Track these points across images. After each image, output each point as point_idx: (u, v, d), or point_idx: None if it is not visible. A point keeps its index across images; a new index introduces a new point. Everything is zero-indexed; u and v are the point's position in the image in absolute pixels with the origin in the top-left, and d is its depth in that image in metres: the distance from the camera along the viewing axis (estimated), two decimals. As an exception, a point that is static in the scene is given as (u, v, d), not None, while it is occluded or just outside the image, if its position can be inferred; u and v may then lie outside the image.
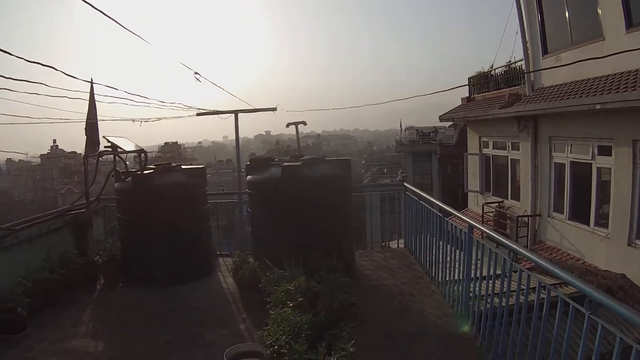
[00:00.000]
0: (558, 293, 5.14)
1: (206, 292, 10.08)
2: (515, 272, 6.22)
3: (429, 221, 9.86)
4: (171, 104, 15.93)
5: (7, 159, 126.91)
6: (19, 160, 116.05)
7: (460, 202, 27.66)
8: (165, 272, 10.34)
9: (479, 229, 7.52)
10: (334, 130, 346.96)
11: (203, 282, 10.59)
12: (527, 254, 5.97)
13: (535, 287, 5.60)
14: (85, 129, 12.55)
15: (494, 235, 7.08)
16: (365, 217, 15.84)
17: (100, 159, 12.31)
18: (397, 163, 71.78)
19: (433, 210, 9.66)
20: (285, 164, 9.96)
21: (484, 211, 21.84)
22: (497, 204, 21.89)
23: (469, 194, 25.92)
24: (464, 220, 8.21)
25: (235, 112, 14.18)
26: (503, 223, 20.62)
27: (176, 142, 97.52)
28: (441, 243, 9.12)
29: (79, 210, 12.09)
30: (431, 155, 57.36)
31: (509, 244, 6.46)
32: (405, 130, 72.48)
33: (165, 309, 9.21)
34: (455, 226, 8.39)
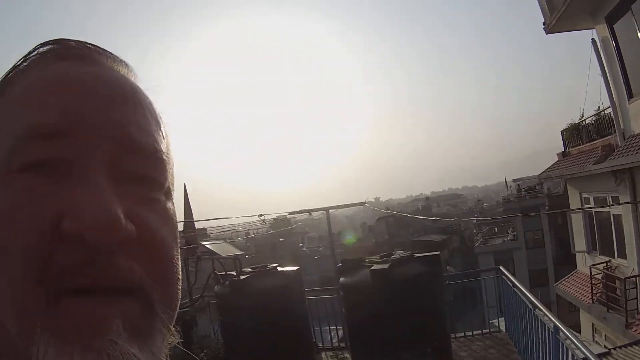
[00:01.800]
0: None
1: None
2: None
3: (523, 310, 9.71)
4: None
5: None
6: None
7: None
8: None
9: (565, 333, 7.19)
10: (443, 190, 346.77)
11: None
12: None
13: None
14: (182, 231, 13.18)
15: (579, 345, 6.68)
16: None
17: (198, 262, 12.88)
18: (508, 221, 71.42)
19: (524, 300, 9.48)
20: (374, 267, 10.04)
21: (592, 274, 20.94)
22: (604, 265, 20.92)
23: (577, 254, 25.23)
24: (550, 317, 7.90)
25: (326, 209, 14.57)
26: (612, 286, 19.59)
27: (285, 217, 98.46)
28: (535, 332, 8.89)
29: (183, 309, 12.43)
30: (539, 209, 56.59)
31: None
32: (510, 187, 71.87)
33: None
34: (543, 322, 8.17)
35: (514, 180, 74.16)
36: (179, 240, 0.81)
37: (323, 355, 12.30)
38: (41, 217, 0.66)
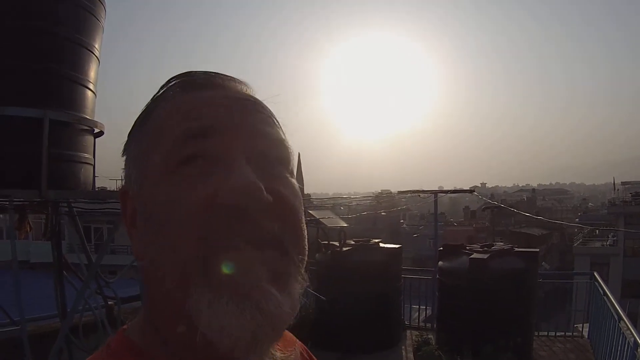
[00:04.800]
0: None
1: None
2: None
3: (608, 320, 9.51)
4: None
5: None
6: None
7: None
8: (352, 341, 11.04)
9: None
10: (550, 184, 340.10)
11: (386, 354, 11.24)
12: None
13: None
14: None
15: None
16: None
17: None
18: (612, 224, 68.61)
19: (610, 309, 9.29)
20: (474, 256, 10.37)
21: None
22: None
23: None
24: (632, 331, 7.52)
25: (435, 192, 14.80)
26: None
27: (389, 191, 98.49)
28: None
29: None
30: (643, 216, 54.20)
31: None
32: (618, 189, 69.43)
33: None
34: (625, 335, 7.93)
35: (623, 183, 71.87)
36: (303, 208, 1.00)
37: (408, 333, 12.55)
38: (199, 195, 0.85)
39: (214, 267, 0.81)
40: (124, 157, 1.04)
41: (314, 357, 1.34)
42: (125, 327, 1.03)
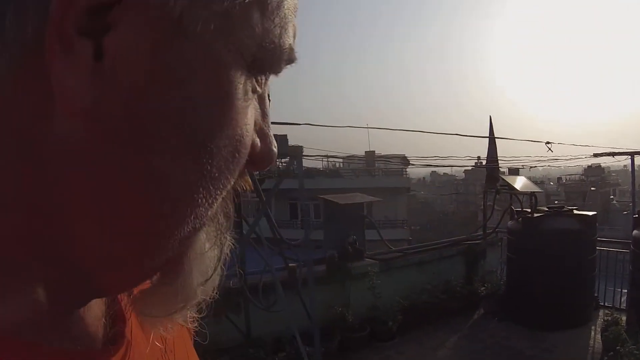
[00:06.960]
0: None
1: (569, 345, 10.02)
2: None
3: None
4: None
5: (432, 171, 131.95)
6: (443, 173, 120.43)
7: None
8: (540, 316, 10.50)
9: None
10: None
11: (572, 334, 10.49)
12: None
13: None
14: (486, 166, 13.52)
15: None
16: None
17: (497, 195, 13.07)
18: None
19: None
20: None
21: None
22: None
23: None
24: None
25: (632, 154, 14.05)
26: None
27: (599, 166, 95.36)
28: None
29: (474, 241, 12.95)
30: None
31: None
32: None
33: (525, 356, 9.49)
34: None
35: None
36: None
37: (601, 312, 11.68)
38: (252, 134, 0.62)
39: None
40: None
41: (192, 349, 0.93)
42: None
